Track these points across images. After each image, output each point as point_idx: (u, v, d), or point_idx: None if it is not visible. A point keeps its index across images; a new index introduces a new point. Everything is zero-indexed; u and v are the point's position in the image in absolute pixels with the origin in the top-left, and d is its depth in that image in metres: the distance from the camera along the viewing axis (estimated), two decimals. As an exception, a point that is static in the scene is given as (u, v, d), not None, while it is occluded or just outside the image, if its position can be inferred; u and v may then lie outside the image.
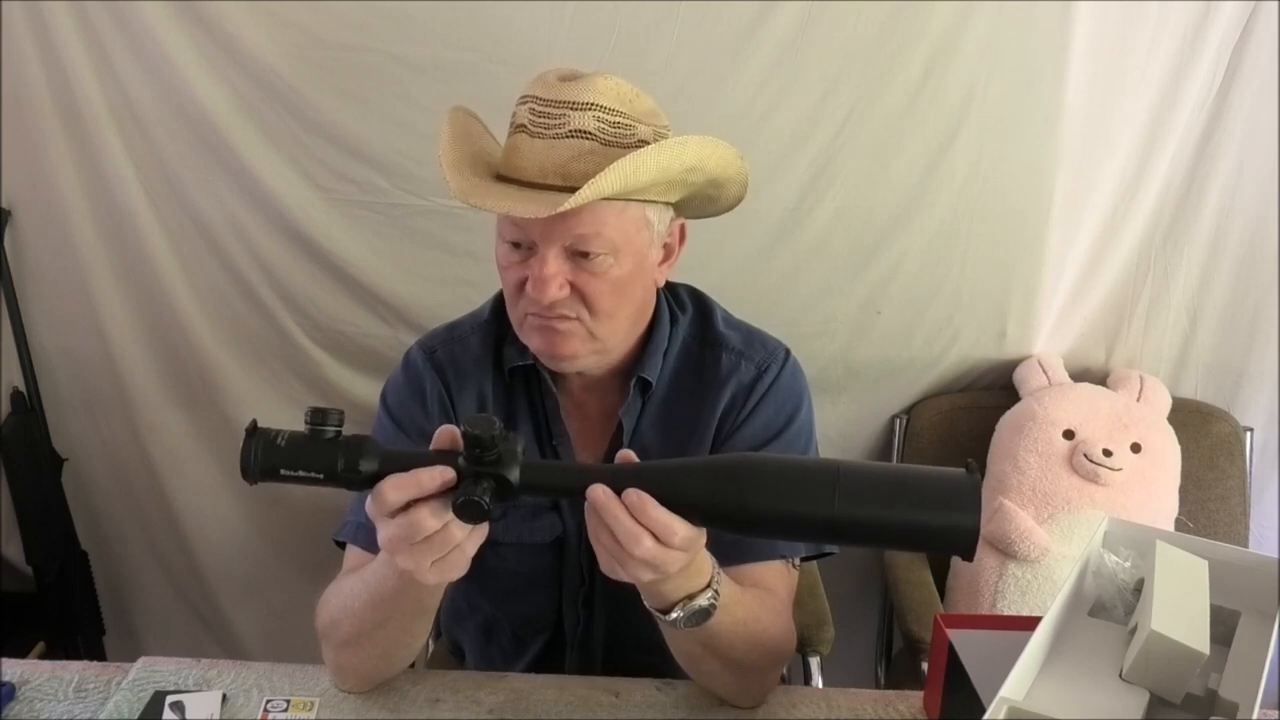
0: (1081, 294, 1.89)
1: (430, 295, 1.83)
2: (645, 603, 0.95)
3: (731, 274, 1.74)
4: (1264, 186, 1.78)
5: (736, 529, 0.86)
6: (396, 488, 0.82)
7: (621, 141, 1.03)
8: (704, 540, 0.88)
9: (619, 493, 0.84)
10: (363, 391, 1.89)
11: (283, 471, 0.83)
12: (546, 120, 1.02)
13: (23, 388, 1.91)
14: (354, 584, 1.03)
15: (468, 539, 0.85)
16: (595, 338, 1.07)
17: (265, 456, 0.82)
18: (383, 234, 1.81)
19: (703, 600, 0.93)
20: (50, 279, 1.88)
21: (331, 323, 1.89)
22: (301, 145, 1.75)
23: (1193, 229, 1.83)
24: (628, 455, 0.89)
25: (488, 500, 0.80)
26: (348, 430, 0.85)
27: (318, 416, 0.83)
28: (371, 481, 0.83)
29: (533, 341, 1.10)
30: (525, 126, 1.03)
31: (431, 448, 0.86)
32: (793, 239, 1.80)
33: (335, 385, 1.91)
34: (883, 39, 1.67)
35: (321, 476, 0.83)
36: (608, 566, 0.87)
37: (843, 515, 0.80)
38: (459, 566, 0.86)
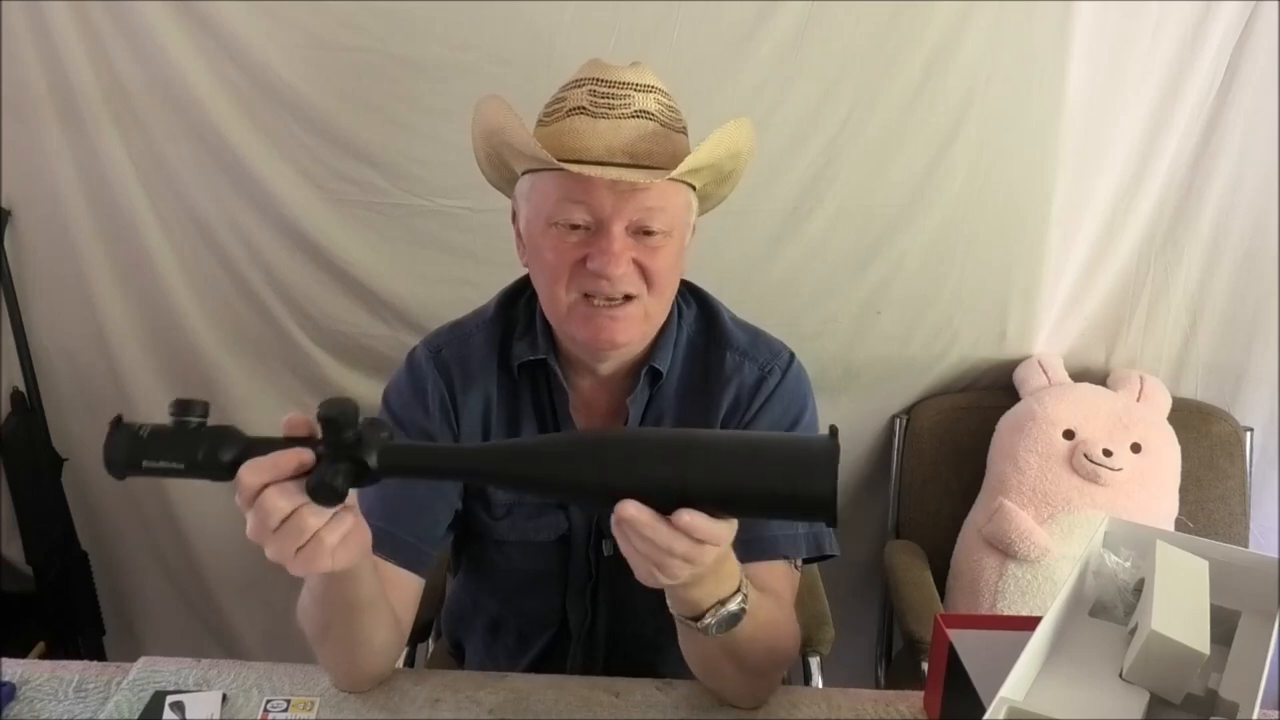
0: (1081, 294, 1.89)
1: (430, 295, 1.83)
2: (673, 611, 0.93)
3: (731, 274, 1.74)
4: (1264, 186, 1.78)
5: (597, 503, 0.82)
6: (252, 470, 0.79)
7: (675, 125, 1.07)
8: (733, 534, 0.85)
9: (476, 471, 0.87)
10: (363, 391, 1.89)
11: (145, 464, 0.80)
12: (610, 101, 1.03)
13: (23, 388, 1.91)
14: (305, 585, 1.02)
15: (325, 529, 0.81)
16: (649, 318, 1.09)
17: (128, 450, 0.80)
18: (383, 234, 1.81)
19: (733, 605, 0.92)
20: (50, 279, 1.88)
21: (331, 323, 1.89)
22: (301, 145, 1.75)
23: (1193, 229, 1.83)
24: None
25: (340, 482, 0.78)
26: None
27: (180, 408, 0.81)
28: (233, 470, 0.81)
29: (582, 330, 1.09)
30: (585, 108, 1.04)
31: (284, 433, 0.83)
32: (793, 239, 1.80)
33: (335, 385, 1.91)
34: (883, 39, 1.67)
35: (182, 467, 0.81)
36: (647, 575, 0.84)
37: (694, 483, 0.79)
38: (320, 556, 0.82)
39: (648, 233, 1.05)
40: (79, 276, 1.85)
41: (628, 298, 1.06)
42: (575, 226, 1.04)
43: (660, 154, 1.04)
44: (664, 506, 0.80)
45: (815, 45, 1.67)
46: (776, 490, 0.78)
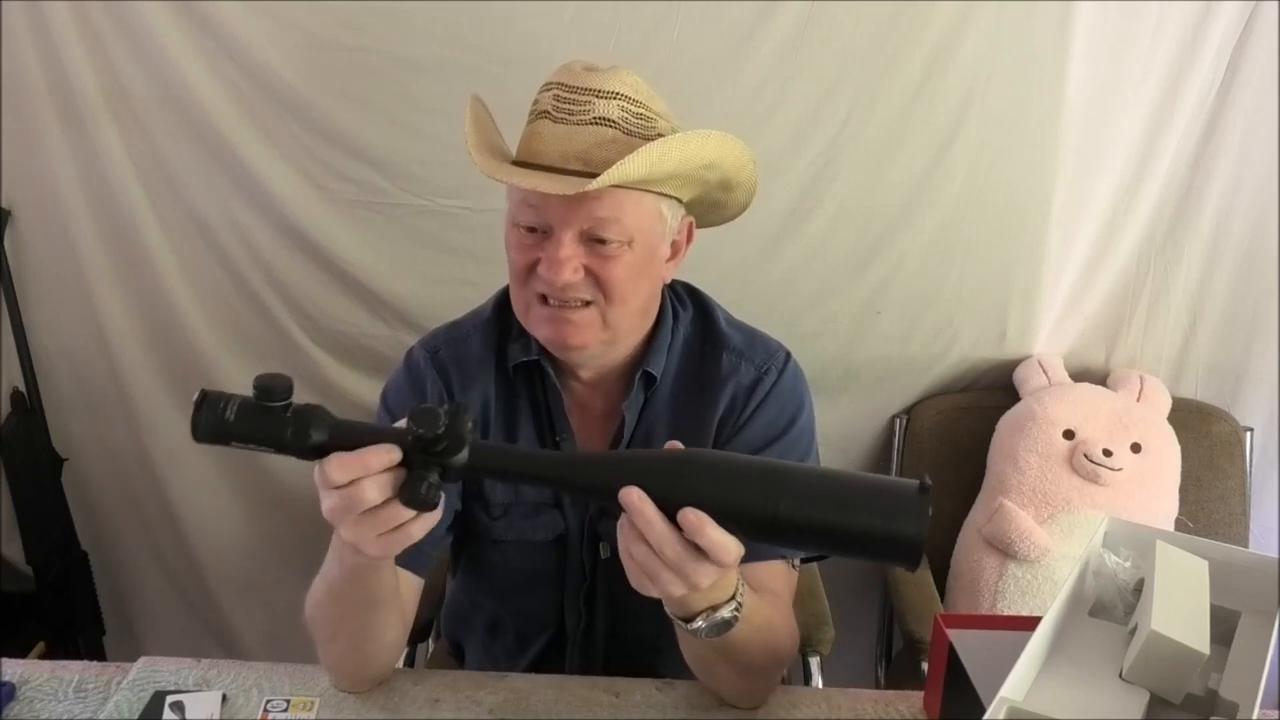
0: (1081, 294, 1.89)
1: (430, 295, 1.83)
2: (667, 610, 0.93)
3: (731, 274, 1.74)
4: (1264, 186, 1.78)
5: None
6: (341, 467, 0.79)
7: (643, 133, 1.05)
8: (739, 556, 0.84)
9: (549, 479, 0.88)
10: (363, 391, 1.89)
11: (232, 443, 0.82)
12: (571, 106, 1.03)
13: (23, 388, 1.91)
14: (319, 578, 1.02)
15: (413, 520, 0.82)
16: (607, 325, 1.08)
17: (211, 430, 0.81)
18: (383, 234, 1.81)
19: (725, 612, 0.92)
20: (50, 279, 1.88)
21: (331, 323, 1.89)
22: (301, 145, 1.75)
23: (1193, 229, 1.83)
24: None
25: (432, 496, 0.80)
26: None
27: (265, 391, 0.81)
28: (320, 451, 0.81)
29: (541, 331, 1.09)
30: (548, 112, 1.04)
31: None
32: (793, 239, 1.80)
33: (335, 385, 1.91)
34: (883, 39, 1.67)
35: (268, 447, 0.82)
36: (638, 581, 0.84)
37: (786, 514, 0.78)
38: (401, 543, 0.83)
39: (601, 241, 1.04)
40: (79, 276, 1.85)
41: (585, 303, 1.06)
42: (531, 229, 1.05)
43: (617, 161, 1.00)
44: (746, 532, 0.80)
45: (815, 45, 1.67)
46: (866, 528, 0.78)
